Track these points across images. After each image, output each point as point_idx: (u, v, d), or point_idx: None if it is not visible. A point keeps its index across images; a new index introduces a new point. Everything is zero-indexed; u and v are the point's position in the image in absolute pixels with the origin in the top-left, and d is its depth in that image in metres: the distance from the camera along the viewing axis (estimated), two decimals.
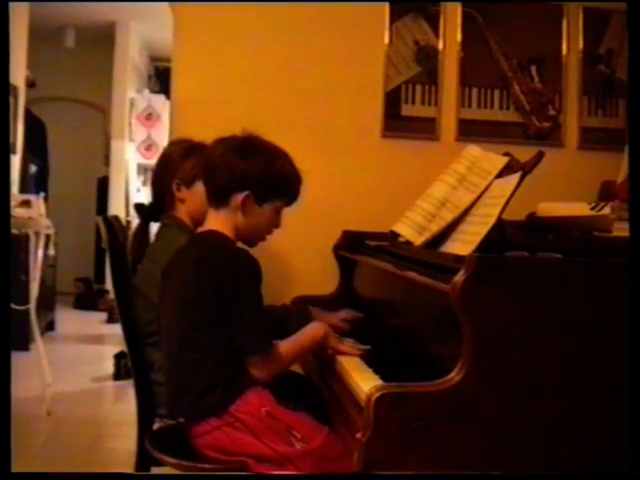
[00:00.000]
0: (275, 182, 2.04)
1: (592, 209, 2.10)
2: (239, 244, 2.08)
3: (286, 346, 2.00)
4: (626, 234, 1.78)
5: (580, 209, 2.15)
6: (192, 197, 2.44)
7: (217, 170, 2.01)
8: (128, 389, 3.47)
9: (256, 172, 2.00)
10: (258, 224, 2.08)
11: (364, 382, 1.73)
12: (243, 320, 1.90)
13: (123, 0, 7.23)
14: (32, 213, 5.09)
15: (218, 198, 2.04)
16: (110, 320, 7.11)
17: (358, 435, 1.47)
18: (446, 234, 2.14)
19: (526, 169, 1.94)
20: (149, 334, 2.28)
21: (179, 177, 2.47)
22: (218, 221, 2.05)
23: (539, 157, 1.94)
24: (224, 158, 2.01)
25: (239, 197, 2.00)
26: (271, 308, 2.49)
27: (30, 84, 7.13)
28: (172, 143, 2.68)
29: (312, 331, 2.09)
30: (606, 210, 2.04)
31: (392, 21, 3.20)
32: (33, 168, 7.45)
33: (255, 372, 1.92)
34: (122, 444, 3.37)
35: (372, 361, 1.96)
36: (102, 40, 8.24)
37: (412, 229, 2.27)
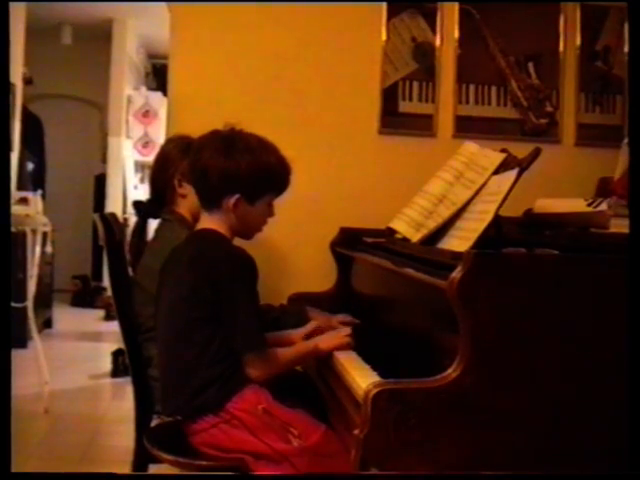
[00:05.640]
0: (264, 178, 2.02)
1: (589, 205, 2.10)
2: (235, 240, 2.08)
3: (282, 351, 2.02)
4: (623, 230, 1.78)
5: (577, 205, 2.15)
6: (193, 192, 2.43)
7: (206, 174, 1.99)
8: (126, 386, 3.47)
9: (245, 172, 1.98)
10: (252, 221, 2.08)
11: (361, 378, 1.73)
12: (237, 318, 1.91)
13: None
14: (29, 210, 5.10)
15: (210, 201, 2.04)
16: (108, 317, 7.11)
17: (355, 432, 1.47)
18: (443, 231, 2.14)
19: (523, 165, 1.94)
20: (149, 329, 2.28)
21: (180, 173, 2.47)
22: (212, 222, 2.04)
23: (536, 153, 1.94)
24: (211, 161, 1.98)
25: (230, 200, 1.99)
26: (269, 307, 2.50)
27: (27, 81, 7.12)
28: (170, 140, 2.68)
29: (305, 345, 2.13)
30: (603, 206, 2.04)
31: (389, 18, 3.19)
32: (30, 165, 7.44)
33: (250, 371, 1.92)
34: (120, 441, 3.37)
35: (369, 357, 1.96)
36: (99, 37, 8.23)
37: (409, 226, 2.27)
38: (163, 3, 3.33)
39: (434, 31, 3.22)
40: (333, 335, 2.17)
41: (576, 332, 1.54)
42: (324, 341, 2.12)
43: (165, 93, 3.66)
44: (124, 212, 7.59)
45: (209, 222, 2.05)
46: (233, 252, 1.98)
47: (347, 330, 2.17)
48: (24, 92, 6.97)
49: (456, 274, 1.50)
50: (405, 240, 2.26)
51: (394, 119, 3.21)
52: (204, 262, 1.95)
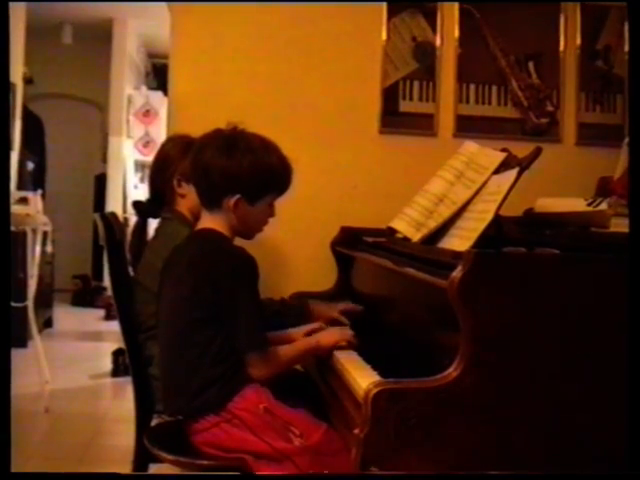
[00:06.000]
0: (266, 179, 2.01)
1: (589, 205, 2.10)
2: (236, 239, 2.08)
3: (284, 350, 2.02)
4: (623, 230, 1.78)
5: (577, 205, 2.15)
6: (193, 192, 2.42)
7: (207, 174, 1.99)
8: (126, 386, 3.47)
9: (246, 173, 1.97)
10: (253, 222, 2.07)
11: (362, 378, 1.73)
12: (239, 319, 1.90)
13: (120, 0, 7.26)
14: (29, 210, 5.10)
15: (210, 201, 2.03)
16: (108, 317, 7.11)
17: (356, 431, 1.47)
18: (443, 230, 2.14)
19: (523, 165, 1.94)
20: (150, 327, 2.28)
21: (180, 173, 2.47)
22: (213, 221, 2.04)
23: (536, 153, 1.94)
24: (213, 161, 1.98)
25: (231, 201, 1.99)
26: (269, 301, 2.50)
27: (27, 81, 7.12)
28: (169, 139, 2.68)
29: (307, 341, 2.12)
30: (603, 206, 2.04)
31: (389, 17, 3.19)
32: (30, 165, 7.43)
33: (252, 371, 1.92)
34: (120, 441, 3.37)
35: (370, 357, 1.96)
36: (99, 37, 8.24)
37: (410, 225, 2.27)
38: (163, 3, 3.33)
39: (434, 30, 3.22)
40: (335, 331, 2.17)
41: (576, 331, 1.54)
42: (325, 337, 2.12)
43: (166, 92, 3.66)
44: (124, 212, 7.60)
45: (210, 222, 2.05)
46: (234, 252, 1.97)
47: (348, 330, 2.18)
48: (24, 92, 6.97)
49: (456, 273, 1.49)
50: (405, 239, 2.26)
51: (395, 118, 3.22)
52: (205, 262, 1.95)
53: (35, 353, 4.35)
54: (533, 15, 3.25)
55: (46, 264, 6.07)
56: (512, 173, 1.94)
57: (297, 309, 2.48)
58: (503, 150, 2.18)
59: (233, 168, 1.97)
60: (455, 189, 2.21)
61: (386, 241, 2.42)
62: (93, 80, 8.77)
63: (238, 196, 1.99)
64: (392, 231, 2.35)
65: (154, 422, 2.28)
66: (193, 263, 1.97)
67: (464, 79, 3.25)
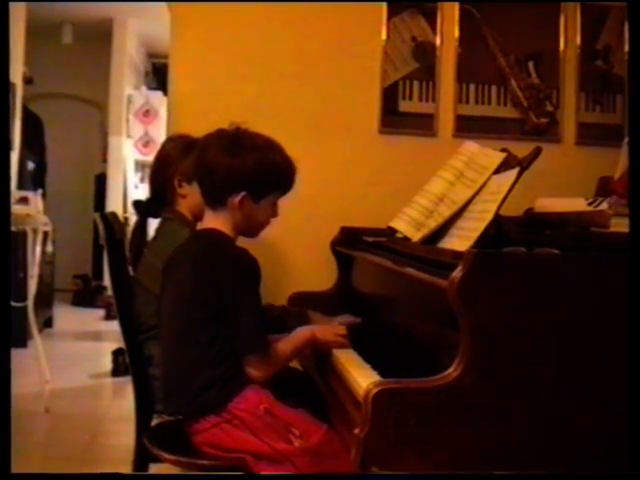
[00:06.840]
0: (270, 177, 2.02)
1: (589, 205, 2.10)
2: (240, 238, 2.09)
3: (281, 347, 2.02)
4: (624, 230, 1.78)
5: (577, 205, 2.15)
6: (193, 192, 2.42)
7: (212, 172, 1.99)
8: (126, 385, 3.47)
9: (251, 170, 1.98)
10: (257, 220, 2.07)
11: (362, 378, 1.73)
12: (240, 320, 1.91)
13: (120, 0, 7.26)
14: (30, 210, 5.10)
15: (215, 199, 2.03)
16: (108, 317, 7.11)
17: (356, 431, 1.47)
18: (444, 230, 2.14)
19: (523, 165, 1.94)
20: (150, 327, 2.28)
21: (180, 173, 2.47)
22: (217, 220, 2.04)
23: (536, 153, 1.94)
24: (217, 159, 1.98)
25: (236, 199, 1.99)
26: (270, 307, 2.50)
27: (27, 81, 7.12)
28: (170, 139, 2.68)
29: (302, 334, 2.11)
30: (603, 206, 2.04)
31: (389, 17, 3.19)
32: (30, 165, 7.43)
33: (251, 372, 1.93)
34: (120, 441, 3.37)
35: (370, 357, 1.96)
36: (99, 37, 8.23)
37: (410, 225, 2.27)
38: (163, 3, 3.34)
39: (434, 30, 3.22)
40: (330, 329, 2.17)
41: (576, 331, 1.54)
42: (321, 331, 2.14)
43: (165, 92, 3.66)
44: (125, 211, 7.59)
45: (213, 221, 2.05)
46: (236, 253, 1.97)
47: (343, 329, 2.17)
48: (24, 91, 6.97)
49: (456, 273, 1.49)
50: (406, 239, 2.26)
51: (394, 118, 3.22)
52: (207, 263, 1.95)
53: (35, 353, 4.35)
54: (533, 15, 3.25)
55: (46, 264, 6.07)
56: (512, 173, 1.94)
57: (297, 316, 2.48)
58: (503, 150, 2.18)
59: (238, 166, 1.97)
60: (455, 189, 2.21)
61: (386, 241, 2.42)
62: (93, 80, 8.76)
63: (243, 193, 1.99)
64: (392, 231, 2.35)
65: (154, 422, 2.28)
66: (195, 263, 1.98)
67: (464, 79, 3.25)
